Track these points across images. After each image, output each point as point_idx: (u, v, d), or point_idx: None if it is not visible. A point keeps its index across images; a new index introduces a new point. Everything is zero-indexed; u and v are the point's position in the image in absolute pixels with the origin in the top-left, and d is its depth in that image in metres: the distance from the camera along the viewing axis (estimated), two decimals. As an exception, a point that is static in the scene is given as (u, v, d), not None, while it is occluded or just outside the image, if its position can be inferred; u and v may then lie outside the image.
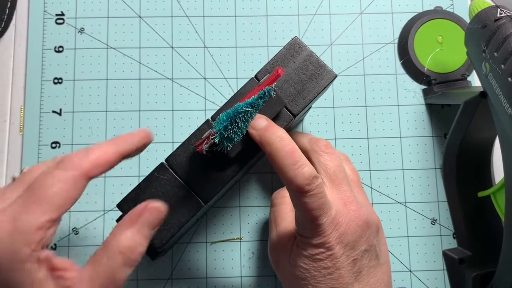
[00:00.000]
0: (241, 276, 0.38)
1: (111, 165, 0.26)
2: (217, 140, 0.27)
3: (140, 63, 0.41)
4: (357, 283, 0.28)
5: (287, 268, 0.30)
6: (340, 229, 0.28)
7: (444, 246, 0.39)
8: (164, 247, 0.30)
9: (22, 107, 0.40)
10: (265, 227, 0.39)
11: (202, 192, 0.30)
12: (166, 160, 0.30)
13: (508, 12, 0.30)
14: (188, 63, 0.41)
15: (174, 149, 0.30)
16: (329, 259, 0.28)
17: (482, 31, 0.31)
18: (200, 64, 0.41)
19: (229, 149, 0.28)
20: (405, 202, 0.39)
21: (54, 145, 0.39)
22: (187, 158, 0.30)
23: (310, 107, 0.37)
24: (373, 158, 0.40)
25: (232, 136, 0.27)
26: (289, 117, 0.31)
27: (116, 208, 0.29)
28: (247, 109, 0.27)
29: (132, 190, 0.30)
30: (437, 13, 0.42)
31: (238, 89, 0.31)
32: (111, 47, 0.41)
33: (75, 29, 0.41)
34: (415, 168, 0.40)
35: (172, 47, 0.41)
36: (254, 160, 0.31)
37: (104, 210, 0.38)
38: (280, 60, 0.32)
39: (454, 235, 0.39)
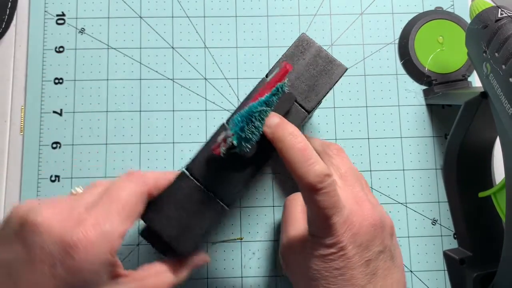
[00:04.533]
0: (241, 277, 0.38)
1: (162, 187, 0.29)
2: (235, 142, 0.27)
3: (140, 63, 0.41)
4: (371, 285, 0.27)
5: (298, 269, 0.29)
6: (353, 229, 0.27)
7: (445, 246, 0.39)
8: (188, 254, 0.30)
9: (22, 107, 0.40)
10: (266, 227, 0.39)
11: (224, 197, 0.30)
12: (186, 168, 0.30)
13: (509, 13, 0.30)
14: (189, 63, 0.41)
15: (193, 156, 0.30)
16: (341, 259, 0.27)
17: (483, 31, 0.31)
18: (201, 65, 0.41)
19: (247, 150, 0.28)
20: (406, 203, 0.39)
21: (54, 145, 0.39)
22: (206, 164, 0.30)
23: (321, 102, 0.37)
24: (373, 158, 0.40)
25: (250, 136, 0.27)
26: (303, 114, 0.31)
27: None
28: (262, 108, 0.27)
29: (154, 202, 0.29)
30: (438, 14, 0.42)
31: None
32: (112, 48, 0.41)
33: (76, 30, 0.41)
34: (415, 168, 0.40)
35: (172, 48, 0.41)
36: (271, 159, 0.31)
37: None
38: (290, 57, 0.31)
39: (455, 236, 0.39)
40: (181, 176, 0.30)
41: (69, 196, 0.27)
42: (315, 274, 0.28)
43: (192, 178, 0.30)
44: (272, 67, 0.32)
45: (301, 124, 0.31)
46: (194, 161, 0.30)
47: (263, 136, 0.28)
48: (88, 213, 0.25)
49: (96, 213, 0.25)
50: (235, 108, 0.40)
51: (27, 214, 0.24)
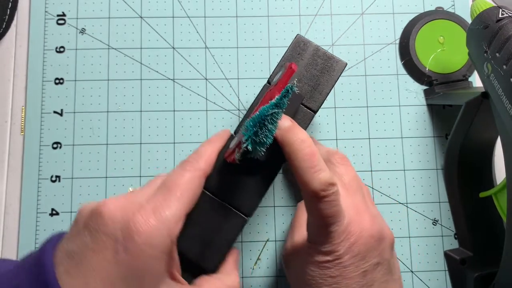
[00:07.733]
0: (242, 277, 0.38)
1: (214, 162, 0.30)
2: (250, 147, 0.27)
3: (141, 63, 0.41)
4: None
5: (296, 273, 0.29)
6: (351, 238, 0.27)
7: (446, 246, 0.39)
8: (216, 269, 0.30)
9: (23, 107, 0.40)
10: (266, 228, 0.39)
11: (242, 207, 0.30)
12: None
13: (510, 13, 0.30)
14: (189, 63, 0.41)
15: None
16: (336, 267, 0.27)
17: (483, 31, 0.31)
18: (201, 65, 0.41)
19: (262, 153, 0.27)
20: (407, 203, 0.39)
21: (55, 145, 0.39)
22: (219, 174, 0.30)
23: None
24: (374, 158, 0.40)
25: (264, 140, 0.27)
26: (311, 115, 0.31)
27: None
28: (274, 111, 0.27)
29: None
30: (439, 14, 0.42)
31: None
32: (112, 48, 0.41)
33: (76, 30, 0.41)
34: (416, 168, 0.40)
35: (173, 48, 0.41)
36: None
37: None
38: (288, 60, 0.32)
39: (456, 236, 0.39)
40: None
41: (128, 192, 0.28)
42: (310, 280, 0.28)
43: (207, 192, 0.30)
44: (273, 71, 0.31)
45: (309, 125, 0.31)
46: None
47: (275, 139, 0.28)
48: (147, 202, 0.26)
49: (155, 201, 0.26)
50: (235, 108, 0.40)
51: (95, 206, 0.25)
